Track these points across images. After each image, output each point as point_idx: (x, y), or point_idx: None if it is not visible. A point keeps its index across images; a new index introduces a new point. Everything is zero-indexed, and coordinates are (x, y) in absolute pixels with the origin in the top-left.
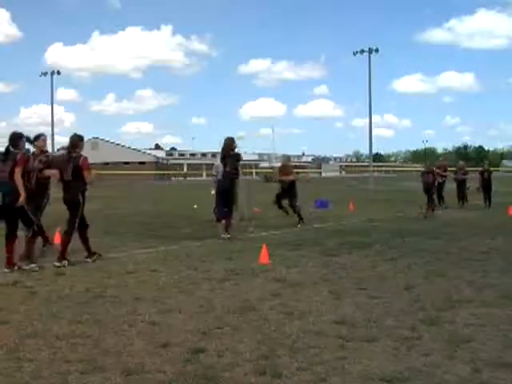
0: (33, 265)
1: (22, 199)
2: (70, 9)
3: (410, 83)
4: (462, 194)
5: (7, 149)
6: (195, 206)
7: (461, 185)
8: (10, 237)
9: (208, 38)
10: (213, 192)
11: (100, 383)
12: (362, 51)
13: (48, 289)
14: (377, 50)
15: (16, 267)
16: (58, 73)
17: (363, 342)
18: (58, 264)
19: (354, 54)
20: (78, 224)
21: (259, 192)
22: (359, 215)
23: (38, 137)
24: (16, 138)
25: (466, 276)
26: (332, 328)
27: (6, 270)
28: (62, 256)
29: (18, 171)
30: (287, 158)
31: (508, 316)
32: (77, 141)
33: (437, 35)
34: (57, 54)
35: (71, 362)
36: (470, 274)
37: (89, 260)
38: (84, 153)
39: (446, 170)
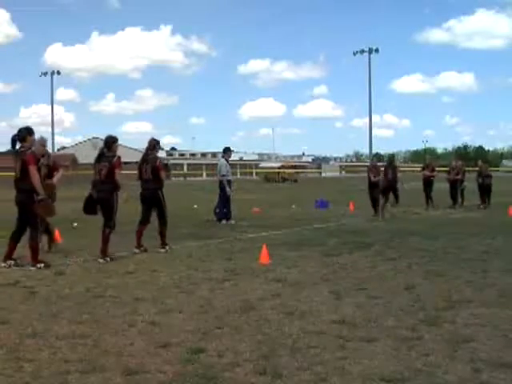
0: (108, 258)
1: (125, 196)
2: (69, 9)
3: (409, 83)
4: (455, 195)
5: (102, 151)
6: (195, 206)
7: (453, 185)
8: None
9: (207, 38)
10: (230, 192)
11: (100, 383)
12: (362, 51)
13: (48, 289)
14: (377, 50)
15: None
16: (58, 73)
17: (363, 341)
18: (162, 250)
19: (354, 54)
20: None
21: (259, 192)
22: (359, 215)
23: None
24: (111, 142)
25: (466, 276)
26: (332, 328)
27: (102, 261)
28: (163, 242)
29: (118, 172)
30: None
31: (508, 316)
32: (154, 144)
33: (436, 35)
34: (56, 54)
35: (71, 361)
36: (470, 274)
37: (137, 251)
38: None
39: (433, 170)
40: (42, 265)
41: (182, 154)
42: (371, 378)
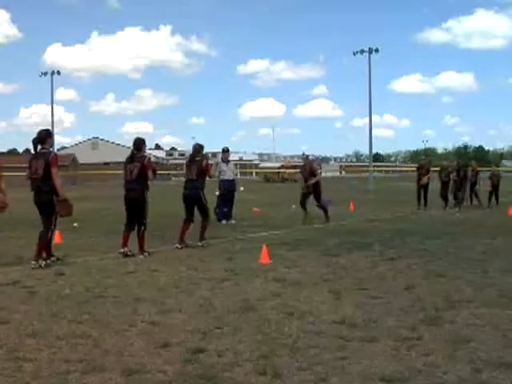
0: (201, 242)
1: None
2: (68, 9)
3: (409, 83)
4: (457, 195)
5: (132, 152)
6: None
7: (444, 186)
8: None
9: (207, 38)
10: (217, 193)
11: (100, 383)
12: (362, 51)
13: (48, 289)
14: (377, 50)
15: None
16: (58, 73)
17: (363, 341)
18: (200, 244)
19: (354, 54)
20: (208, 212)
21: (259, 192)
22: (359, 215)
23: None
24: (140, 143)
25: (466, 276)
26: (332, 328)
27: (179, 246)
28: (201, 237)
29: (150, 172)
30: None
31: (508, 316)
32: (199, 148)
33: (435, 35)
34: (56, 54)
35: (71, 361)
36: (470, 274)
37: (178, 246)
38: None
39: (428, 171)
40: (44, 262)
41: (182, 154)
42: (371, 377)
